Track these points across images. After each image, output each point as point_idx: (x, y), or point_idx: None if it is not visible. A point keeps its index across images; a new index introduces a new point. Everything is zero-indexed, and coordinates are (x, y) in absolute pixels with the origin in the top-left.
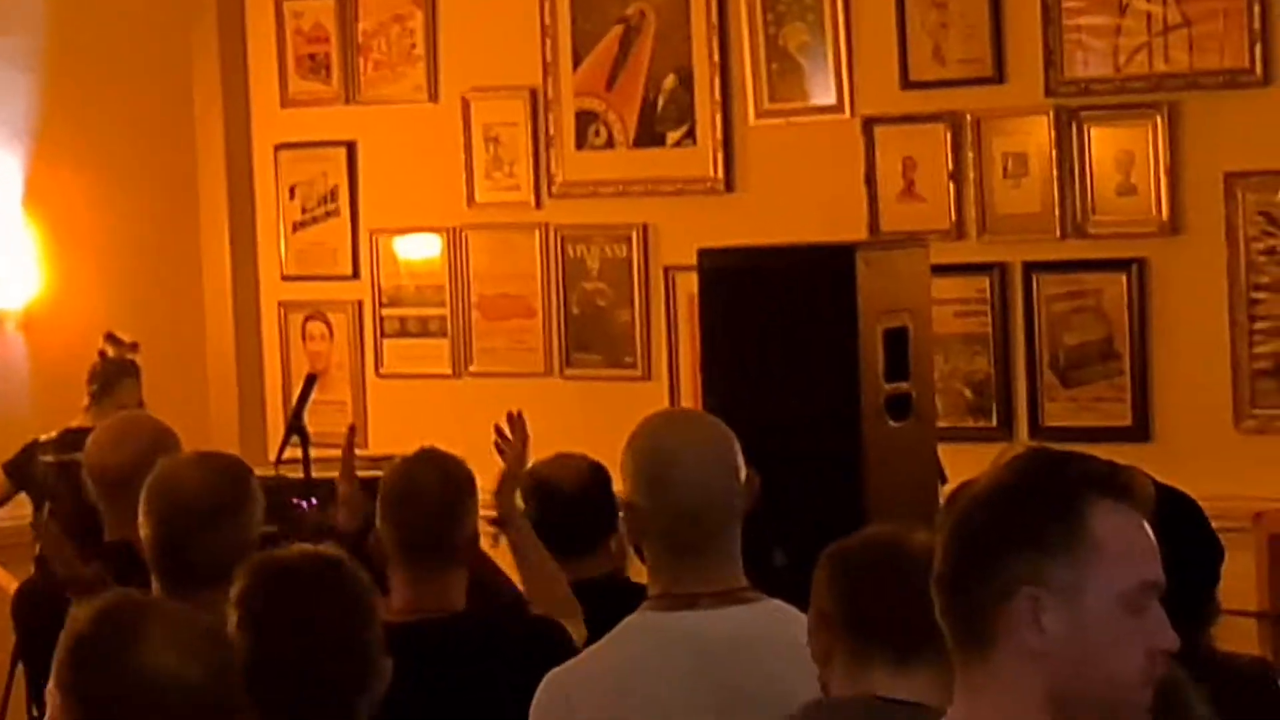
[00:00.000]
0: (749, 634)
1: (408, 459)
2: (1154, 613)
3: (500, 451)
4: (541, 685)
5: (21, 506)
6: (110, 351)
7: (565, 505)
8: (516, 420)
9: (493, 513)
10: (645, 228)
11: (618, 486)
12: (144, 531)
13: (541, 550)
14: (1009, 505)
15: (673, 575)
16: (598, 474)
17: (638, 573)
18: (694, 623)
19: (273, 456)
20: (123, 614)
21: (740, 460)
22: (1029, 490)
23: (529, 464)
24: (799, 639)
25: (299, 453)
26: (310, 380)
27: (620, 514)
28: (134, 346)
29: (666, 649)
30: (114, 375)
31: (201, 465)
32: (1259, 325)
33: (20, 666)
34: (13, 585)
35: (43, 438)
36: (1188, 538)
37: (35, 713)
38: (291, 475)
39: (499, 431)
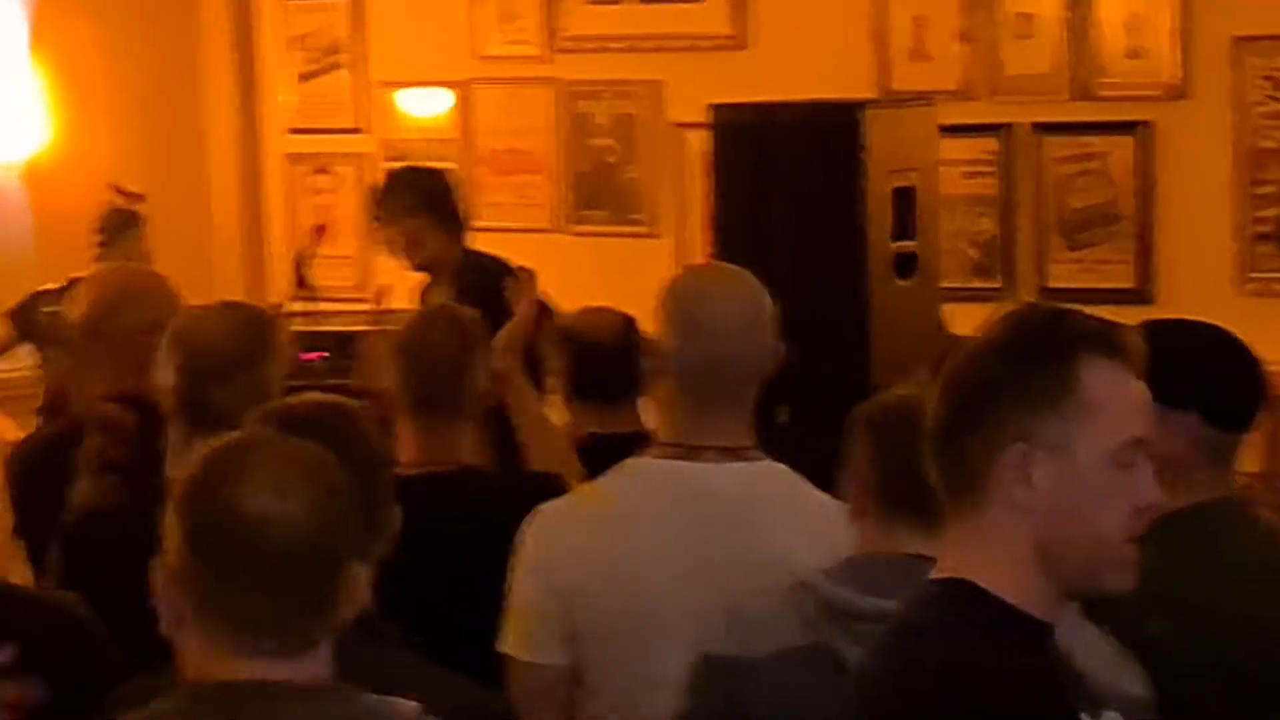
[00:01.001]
0: (746, 492)
1: (420, 314)
2: (1141, 469)
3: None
4: (531, 518)
5: (26, 357)
6: (116, 202)
7: (604, 358)
8: (526, 278)
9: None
10: (655, 84)
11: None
12: (165, 377)
13: (540, 409)
14: (1002, 360)
15: (686, 424)
16: (631, 328)
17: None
18: (693, 473)
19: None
20: (228, 454)
21: (774, 323)
22: (1022, 345)
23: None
24: (796, 501)
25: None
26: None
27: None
28: (140, 197)
29: (662, 496)
30: (119, 226)
31: (227, 314)
32: (1262, 189)
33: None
34: (16, 435)
35: (48, 288)
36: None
37: (35, 576)
38: (299, 328)
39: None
